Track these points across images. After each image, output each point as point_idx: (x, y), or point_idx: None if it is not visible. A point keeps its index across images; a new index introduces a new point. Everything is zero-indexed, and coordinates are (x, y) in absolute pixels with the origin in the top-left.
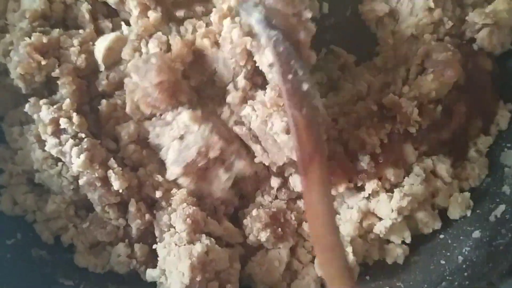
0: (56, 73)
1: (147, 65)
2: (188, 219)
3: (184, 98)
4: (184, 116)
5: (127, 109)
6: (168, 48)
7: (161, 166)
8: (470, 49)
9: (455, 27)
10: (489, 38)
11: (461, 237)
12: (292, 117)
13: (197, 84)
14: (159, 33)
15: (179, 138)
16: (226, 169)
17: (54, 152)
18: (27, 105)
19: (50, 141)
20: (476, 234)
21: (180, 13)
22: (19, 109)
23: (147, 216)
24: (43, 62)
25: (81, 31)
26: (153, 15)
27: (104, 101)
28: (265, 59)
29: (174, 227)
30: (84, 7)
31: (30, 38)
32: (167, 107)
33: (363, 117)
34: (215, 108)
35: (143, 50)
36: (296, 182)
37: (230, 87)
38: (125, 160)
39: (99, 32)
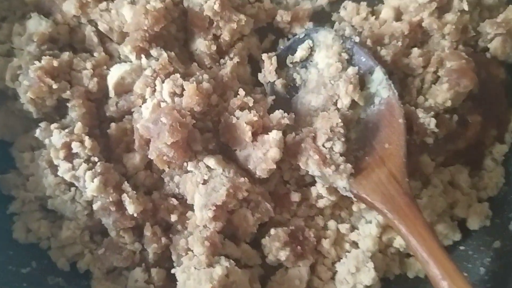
0: (67, 94)
1: (158, 127)
2: (206, 242)
3: (199, 147)
4: (208, 161)
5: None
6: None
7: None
8: (483, 58)
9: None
10: (502, 47)
11: (481, 248)
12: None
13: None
14: (177, 75)
15: (203, 183)
16: (253, 211)
17: (67, 177)
18: (37, 130)
19: (63, 166)
20: (497, 244)
21: None
22: (29, 134)
23: (164, 239)
24: (55, 86)
25: (94, 54)
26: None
27: (113, 125)
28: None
29: (192, 251)
30: (90, 30)
31: (39, 61)
32: (184, 160)
33: None
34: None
35: (157, 88)
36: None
37: None
38: (137, 184)
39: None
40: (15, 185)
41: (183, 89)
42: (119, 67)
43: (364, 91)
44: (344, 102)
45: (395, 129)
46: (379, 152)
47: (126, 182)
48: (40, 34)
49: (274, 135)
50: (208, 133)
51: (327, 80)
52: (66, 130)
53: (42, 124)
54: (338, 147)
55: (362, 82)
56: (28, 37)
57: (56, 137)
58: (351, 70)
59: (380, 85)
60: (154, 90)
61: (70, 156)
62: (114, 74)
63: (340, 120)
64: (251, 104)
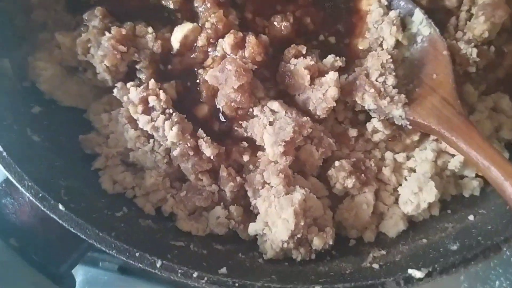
0: (135, 57)
1: (225, 73)
2: (280, 174)
3: (262, 93)
4: (272, 104)
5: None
6: (242, 45)
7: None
8: None
9: None
10: None
11: None
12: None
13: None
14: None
15: (269, 124)
16: (317, 146)
17: (148, 128)
18: (115, 90)
19: (143, 119)
20: None
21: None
22: (101, 100)
23: (238, 178)
24: (126, 52)
25: None
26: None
27: (179, 82)
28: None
29: (268, 183)
30: None
31: (108, 32)
32: (250, 105)
33: None
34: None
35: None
36: (376, 126)
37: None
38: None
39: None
40: (97, 143)
41: (242, 42)
42: (181, 27)
43: (406, 32)
44: (389, 42)
45: (440, 61)
46: (429, 82)
47: (200, 129)
48: (101, 9)
49: (332, 76)
50: (267, 82)
51: (370, 25)
52: (142, 87)
53: (119, 84)
54: (391, 80)
55: (403, 24)
56: (90, 13)
57: (134, 94)
58: (393, 13)
59: (421, 24)
60: (215, 44)
61: (148, 110)
62: (178, 34)
63: (389, 56)
64: (304, 52)
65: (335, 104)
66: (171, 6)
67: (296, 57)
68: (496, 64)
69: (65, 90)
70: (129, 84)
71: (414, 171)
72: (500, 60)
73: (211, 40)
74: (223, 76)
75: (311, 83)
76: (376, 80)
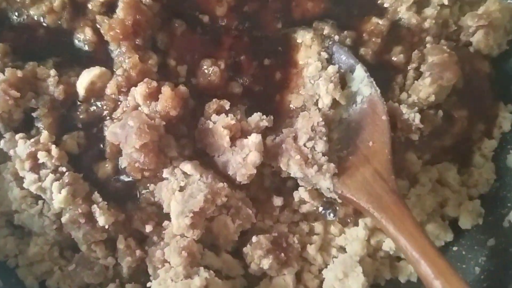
0: (32, 103)
1: (125, 131)
2: (183, 252)
3: (174, 153)
4: (184, 166)
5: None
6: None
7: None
8: (466, 52)
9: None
10: (485, 40)
11: (475, 247)
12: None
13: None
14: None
15: (179, 190)
16: (233, 217)
17: (33, 188)
18: (1, 142)
19: (29, 177)
20: (491, 242)
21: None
22: None
23: (138, 252)
24: (20, 98)
25: None
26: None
27: (82, 133)
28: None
29: (169, 262)
30: None
31: (3, 74)
32: (157, 166)
33: None
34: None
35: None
36: (303, 196)
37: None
38: (109, 194)
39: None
40: None
41: (157, 93)
42: (88, 71)
43: (345, 90)
44: (325, 101)
45: (378, 127)
46: (363, 150)
47: (96, 193)
48: (1, 46)
49: (254, 139)
50: (183, 139)
51: (306, 79)
52: (32, 140)
53: (7, 135)
54: (320, 146)
55: (343, 81)
56: None
57: (21, 147)
58: (331, 69)
59: (362, 83)
60: (127, 93)
61: (36, 167)
62: (84, 79)
63: (321, 119)
64: (227, 107)
65: (255, 171)
66: (86, 48)
67: (218, 113)
68: (443, 130)
69: None
70: (17, 136)
71: (344, 250)
72: (448, 127)
73: (122, 89)
74: (124, 134)
75: (231, 145)
76: (305, 145)
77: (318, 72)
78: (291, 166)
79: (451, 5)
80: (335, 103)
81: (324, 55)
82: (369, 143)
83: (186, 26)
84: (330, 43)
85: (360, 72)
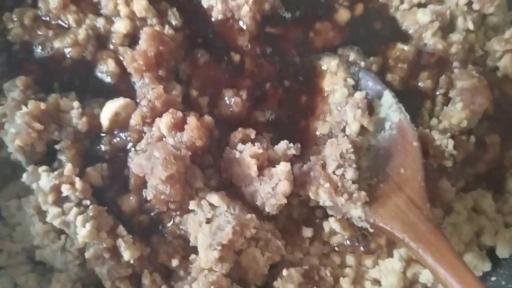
0: (55, 136)
1: (151, 162)
2: (212, 287)
3: (200, 184)
4: (211, 197)
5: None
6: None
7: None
8: (493, 77)
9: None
10: None
11: None
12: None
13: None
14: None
15: (206, 222)
16: (263, 250)
17: (56, 223)
18: (24, 175)
19: (52, 211)
20: None
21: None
22: (15, 183)
23: None
24: (43, 131)
25: None
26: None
27: (104, 165)
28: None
29: None
30: None
31: (26, 106)
32: (184, 198)
33: None
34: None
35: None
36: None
37: None
38: (134, 228)
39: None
40: (1, 236)
41: (182, 123)
42: (112, 102)
43: (373, 117)
44: (352, 128)
45: (409, 153)
46: (394, 178)
47: (121, 226)
48: (24, 79)
49: (283, 167)
50: (209, 169)
51: (332, 106)
52: (56, 173)
53: (29, 168)
54: (350, 174)
55: (370, 107)
56: (11, 83)
57: (45, 180)
58: (358, 95)
59: (390, 109)
60: (151, 124)
61: (60, 200)
62: (108, 110)
63: (350, 146)
64: (253, 136)
65: (285, 201)
66: (108, 80)
67: (244, 142)
68: (476, 156)
69: None
70: (40, 169)
71: (379, 283)
72: (481, 153)
73: (146, 120)
74: (149, 165)
75: (259, 174)
76: (334, 173)
77: (345, 98)
78: (321, 194)
79: (476, 30)
80: (363, 130)
81: (350, 81)
82: (400, 170)
83: (209, 56)
84: (356, 69)
85: (388, 98)
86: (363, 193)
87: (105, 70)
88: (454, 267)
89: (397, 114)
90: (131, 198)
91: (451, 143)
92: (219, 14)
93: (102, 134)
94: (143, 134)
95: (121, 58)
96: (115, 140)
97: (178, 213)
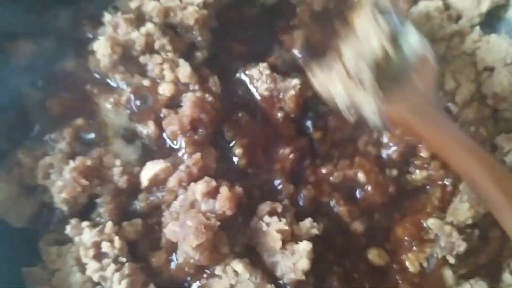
0: (97, 190)
1: (183, 229)
2: None
3: (226, 249)
4: (236, 266)
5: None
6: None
7: None
8: None
9: None
10: None
11: None
12: None
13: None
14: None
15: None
16: None
17: (95, 277)
18: (68, 227)
19: (92, 265)
20: None
21: None
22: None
23: None
24: (88, 186)
25: None
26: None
27: (139, 221)
28: None
29: None
30: None
31: (71, 159)
32: (211, 263)
33: None
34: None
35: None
36: None
37: None
38: (163, 284)
39: None
40: (41, 279)
41: (215, 191)
42: (153, 164)
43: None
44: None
45: (427, 70)
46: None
47: (152, 284)
48: (71, 131)
49: (305, 246)
50: (236, 233)
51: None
52: (97, 229)
53: (73, 221)
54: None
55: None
56: (58, 134)
57: (87, 236)
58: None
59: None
60: (186, 187)
61: (99, 256)
62: (149, 171)
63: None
64: (279, 210)
65: (304, 278)
66: (146, 141)
67: (271, 214)
68: (479, 249)
69: (18, 212)
70: (83, 224)
71: None
72: (483, 246)
73: (182, 183)
74: (182, 232)
75: (282, 247)
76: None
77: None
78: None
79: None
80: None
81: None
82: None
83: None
84: None
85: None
86: (377, 86)
87: (145, 132)
88: (474, 154)
89: (418, 43)
90: (162, 255)
91: (463, 246)
92: (265, 91)
93: (138, 191)
94: (177, 196)
95: (161, 121)
96: (151, 198)
97: (205, 276)
